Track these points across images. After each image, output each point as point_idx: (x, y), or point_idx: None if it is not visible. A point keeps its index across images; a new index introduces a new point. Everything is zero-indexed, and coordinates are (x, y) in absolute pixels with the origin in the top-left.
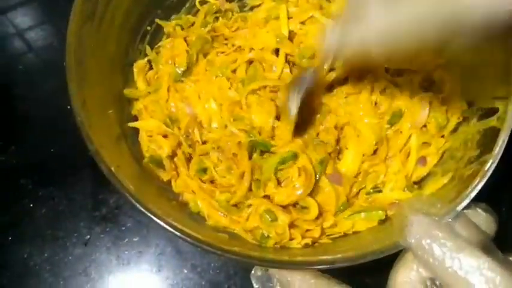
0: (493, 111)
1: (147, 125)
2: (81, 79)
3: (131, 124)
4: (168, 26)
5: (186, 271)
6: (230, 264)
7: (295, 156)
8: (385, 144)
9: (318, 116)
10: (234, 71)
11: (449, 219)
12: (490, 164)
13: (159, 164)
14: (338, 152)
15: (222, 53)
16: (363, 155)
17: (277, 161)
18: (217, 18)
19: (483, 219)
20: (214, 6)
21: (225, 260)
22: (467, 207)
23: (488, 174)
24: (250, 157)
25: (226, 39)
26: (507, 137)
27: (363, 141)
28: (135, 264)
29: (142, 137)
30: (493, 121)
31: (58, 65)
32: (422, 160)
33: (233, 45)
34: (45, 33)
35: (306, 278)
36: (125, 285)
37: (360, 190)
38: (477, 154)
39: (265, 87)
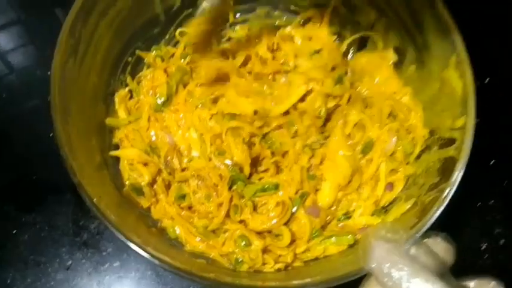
0: (451, 141)
1: (128, 154)
2: (64, 111)
3: (112, 153)
4: (148, 57)
5: None
6: None
7: (276, 187)
8: (359, 174)
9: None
10: (214, 101)
11: (408, 246)
12: (448, 192)
13: (139, 191)
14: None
15: (201, 84)
16: (339, 186)
17: (257, 188)
18: None
19: (442, 248)
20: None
21: (203, 286)
22: (427, 235)
23: (446, 201)
24: (230, 187)
25: None
26: (464, 166)
27: (339, 172)
28: (115, 286)
29: (124, 165)
30: (451, 150)
31: (39, 88)
32: (389, 186)
33: None
34: (27, 56)
35: None
36: None
37: (333, 218)
38: (437, 181)
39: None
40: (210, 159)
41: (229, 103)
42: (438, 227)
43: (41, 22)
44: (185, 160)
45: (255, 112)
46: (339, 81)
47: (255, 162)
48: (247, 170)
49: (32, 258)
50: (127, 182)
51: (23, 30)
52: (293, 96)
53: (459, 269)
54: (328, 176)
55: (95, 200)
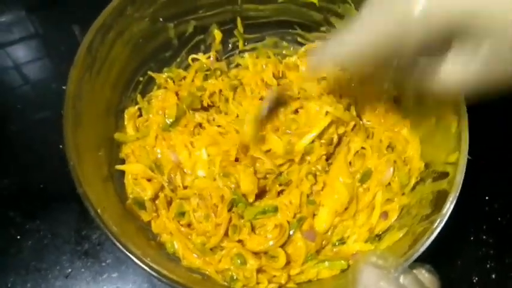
0: (445, 175)
1: (133, 169)
2: (76, 124)
3: (118, 167)
4: (159, 78)
5: None
6: None
7: (275, 209)
8: (355, 201)
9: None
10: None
11: (397, 274)
12: (438, 223)
13: (142, 205)
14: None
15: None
16: (336, 212)
17: (258, 211)
18: (206, 76)
19: (426, 279)
20: (204, 65)
21: None
22: (412, 267)
23: (436, 232)
24: (229, 209)
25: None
26: (455, 199)
27: (337, 199)
28: None
29: (128, 179)
30: (444, 184)
31: (52, 100)
32: (384, 215)
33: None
34: (43, 69)
35: None
36: None
37: (328, 243)
38: (429, 212)
39: None
40: (214, 179)
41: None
42: (431, 258)
43: (58, 37)
44: (188, 179)
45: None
46: (347, 108)
47: (261, 192)
48: (252, 199)
49: (33, 265)
50: (130, 196)
51: (40, 44)
52: (316, 127)
53: None
54: (326, 201)
55: (98, 210)
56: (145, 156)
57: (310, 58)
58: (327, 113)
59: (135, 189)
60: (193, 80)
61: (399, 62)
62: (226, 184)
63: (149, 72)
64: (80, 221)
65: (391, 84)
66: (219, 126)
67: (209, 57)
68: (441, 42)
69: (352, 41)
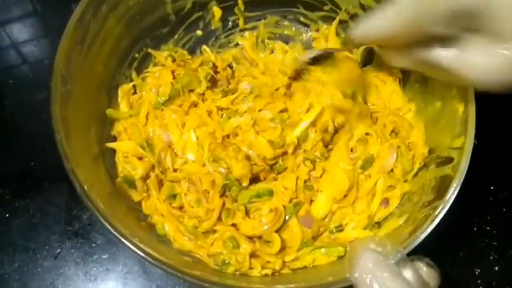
0: (449, 160)
1: (124, 146)
2: (65, 98)
3: (109, 144)
4: (159, 56)
5: None
6: (195, 287)
7: (271, 193)
8: (355, 188)
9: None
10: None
11: (395, 261)
12: (440, 209)
13: (132, 184)
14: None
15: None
16: (334, 199)
17: (252, 194)
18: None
19: (424, 273)
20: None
21: (190, 283)
22: (411, 260)
23: (438, 219)
24: (222, 194)
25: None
26: (459, 186)
27: (336, 186)
28: (101, 281)
29: (119, 158)
30: (448, 169)
31: (49, 80)
32: (385, 202)
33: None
34: (41, 48)
35: None
36: None
37: (325, 230)
38: (431, 199)
39: None
40: (204, 165)
41: (245, 142)
42: (433, 249)
43: (56, 15)
44: (179, 161)
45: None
46: (353, 96)
47: (256, 177)
48: (246, 183)
49: (22, 244)
50: (121, 174)
51: (38, 23)
52: (308, 117)
53: None
54: (324, 188)
55: (85, 187)
56: (137, 134)
57: (352, 31)
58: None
59: (125, 168)
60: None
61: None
62: (216, 169)
63: (149, 49)
64: (70, 201)
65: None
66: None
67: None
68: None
69: (395, 12)
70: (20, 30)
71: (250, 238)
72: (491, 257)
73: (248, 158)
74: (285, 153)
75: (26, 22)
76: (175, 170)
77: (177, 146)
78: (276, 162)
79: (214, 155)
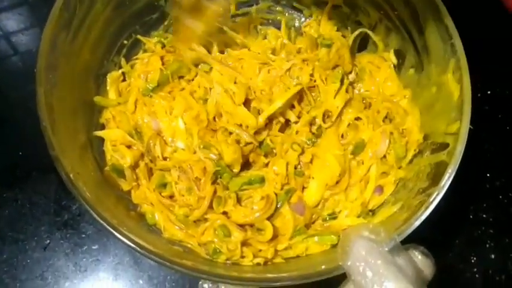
0: (444, 146)
1: (112, 135)
2: (51, 85)
3: (96, 133)
4: (149, 43)
5: (142, 282)
6: (186, 278)
7: (262, 180)
8: (347, 175)
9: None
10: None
11: (388, 248)
12: (435, 196)
13: (121, 173)
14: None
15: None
16: (326, 185)
17: (244, 181)
18: None
19: (419, 261)
20: None
21: (182, 273)
22: (406, 249)
23: (433, 205)
24: (214, 181)
25: None
26: (454, 172)
27: (327, 171)
28: (92, 272)
29: (107, 146)
30: (443, 155)
31: None
32: (379, 189)
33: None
34: (32, 38)
35: None
36: None
37: (318, 217)
38: (426, 186)
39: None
40: (194, 152)
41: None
42: (428, 237)
43: (47, 5)
44: (169, 149)
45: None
46: (342, 78)
47: (246, 163)
48: (237, 169)
49: (10, 235)
50: (109, 163)
51: (29, 12)
52: (280, 98)
53: (447, 280)
54: (316, 174)
55: (71, 175)
56: (125, 122)
57: None
58: None
59: (114, 156)
60: None
61: None
62: (207, 156)
63: (138, 36)
64: (59, 191)
65: None
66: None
67: None
68: None
69: None
70: (10, 20)
71: (242, 226)
72: (487, 245)
73: (238, 142)
74: (270, 127)
75: (17, 12)
76: (164, 159)
77: (166, 134)
78: (264, 141)
79: (204, 142)
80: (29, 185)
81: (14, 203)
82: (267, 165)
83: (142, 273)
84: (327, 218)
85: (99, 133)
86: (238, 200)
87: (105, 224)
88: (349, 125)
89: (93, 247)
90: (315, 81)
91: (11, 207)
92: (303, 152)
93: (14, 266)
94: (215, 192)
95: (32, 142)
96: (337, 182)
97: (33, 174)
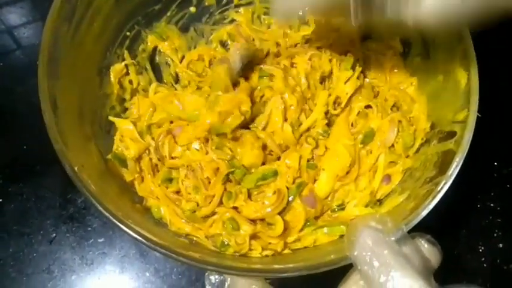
0: (451, 135)
1: (123, 124)
2: (54, 77)
3: (111, 118)
4: (152, 38)
5: (148, 274)
6: (192, 270)
7: (275, 174)
8: (357, 165)
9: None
10: None
11: (395, 238)
12: (443, 185)
13: (123, 162)
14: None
15: None
16: (336, 176)
17: (258, 177)
18: None
19: (426, 250)
20: None
21: (188, 266)
22: (412, 237)
23: (440, 195)
24: (225, 181)
25: None
26: (461, 160)
27: (338, 163)
28: (98, 265)
29: (117, 135)
30: (450, 144)
31: None
32: (387, 178)
33: None
34: (35, 32)
35: (252, 286)
36: (87, 285)
37: (327, 209)
38: (433, 175)
39: None
40: (207, 153)
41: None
42: (436, 226)
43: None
44: (179, 149)
45: None
46: (353, 66)
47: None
48: (254, 170)
49: (16, 229)
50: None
51: (32, 6)
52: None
53: (454, 269)
54: (326, 165)
55: (76, 168)
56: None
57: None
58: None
59: (119, 146)
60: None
61: None
62: (220, 157)
63: (141, 30)
64: (65, 184)
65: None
66: None
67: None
68: None
69: None
70: (14, 15)
71: (253, 220)
72: (495, 234)
73: (264, 147)
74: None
75: (20, 6)
76: (173, 158)
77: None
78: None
79: (217, 142)
80: (33, 179)
81: (19, 197)
82: (279, 158)
83: (148, 265)
84: (336, 209)
85: (113, 118)
86: (249, 195)
87: (110, 217)
88: (359, 113)
89: (99, 240)
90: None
91: (16, 201)
92: (317, 146)
93: (20, 260)
94: (225, 188)
95: (36, 136)
96: (347, 173)
97: (38, 168)
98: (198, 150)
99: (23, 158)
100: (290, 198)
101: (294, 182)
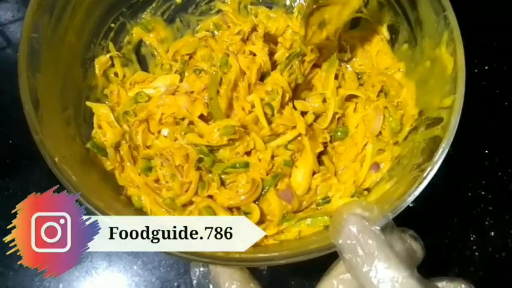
0: (438, 121)
1: (100, 109)
2: (34, 69)
3: (88, 103)
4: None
5: (136, 267)
6: (181, 263)
7: (246, 165)
8: (331, 164)
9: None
10: None
11: (380, 225)
12: (429, 171)
13: (103, 151)
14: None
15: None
16: (313, 172)
17: (227, 165)
18: None
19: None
20: None
21: (176, 258)
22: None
23: (427, 181)
24: (198, 167)
25: None
26: (448, 146)
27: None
28: (86, 259)
29: (95, 121)
30: (437, 130)
31: None
32: (375, 166)
33: None
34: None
35: (233, 276)
36: (75, 279)
37: (311, 203)
38: (420, 161)
39: None
40: (175, 139)
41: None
42: (428, 215)
43: None
44: (152, 137)
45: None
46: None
47: None
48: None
49: (2, 224)
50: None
51: (21, 3)
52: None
53: (447, 258)
54: (299, 163)
55: (56, 159)
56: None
57: None
58: None
59: (98, 133)
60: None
61: None
62: (190, 142)
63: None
64: (50, 178)
65: None
66: None
67: None
68: None
69: None
70: (3, 11)
71: (229, 210)
72: (486, 222)
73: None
74: None
75: (10, 2)
76: (147, 147)
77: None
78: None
79: (184, 128)
80: (19, 173)
81: (5, 191)
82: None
83: (136, 259)
84: (321, 202)
85: (90, 104)
86: (222, 183)
87: (91, 208)
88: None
89: None
90: None
91: (2, 196)
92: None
93: (7, 255)
94: (200, 178)
95: (22, 131)
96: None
97: (23, 162)
98: (166, 137)
99: (9, 153)
100: (265, 189)
101: (267, 174)
